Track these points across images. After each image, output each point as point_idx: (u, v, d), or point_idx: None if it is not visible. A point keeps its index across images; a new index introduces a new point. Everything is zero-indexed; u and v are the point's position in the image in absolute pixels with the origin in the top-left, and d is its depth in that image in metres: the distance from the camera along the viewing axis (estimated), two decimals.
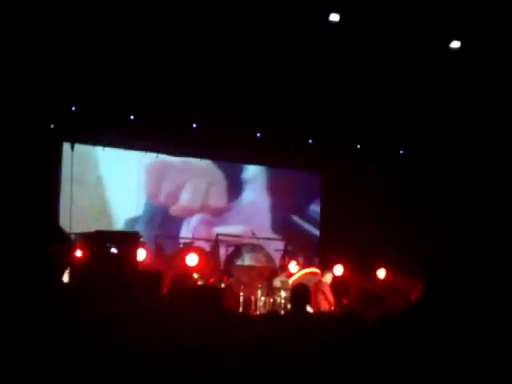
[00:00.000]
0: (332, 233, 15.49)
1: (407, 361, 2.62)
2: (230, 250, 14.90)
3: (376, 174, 15.34)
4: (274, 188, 15.69)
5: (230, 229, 15.15)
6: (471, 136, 13.40)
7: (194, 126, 13.82)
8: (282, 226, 15.71)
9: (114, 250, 8.96)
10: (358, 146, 15.10)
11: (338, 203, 15.25)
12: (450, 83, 12.14)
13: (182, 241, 14.38)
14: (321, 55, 11.57)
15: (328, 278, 12.62)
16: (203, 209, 15.12)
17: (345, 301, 12.61)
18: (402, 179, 15.12)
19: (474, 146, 13.63)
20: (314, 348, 4.52)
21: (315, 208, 16.22)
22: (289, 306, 10.80)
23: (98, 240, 9.21)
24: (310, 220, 16.19)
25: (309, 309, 7.46)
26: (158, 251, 13.99)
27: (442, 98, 12.61)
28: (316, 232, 16.19)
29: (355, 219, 14.83)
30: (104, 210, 14.13)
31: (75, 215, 13.35)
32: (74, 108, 12.76)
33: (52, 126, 12.96)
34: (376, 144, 14.97)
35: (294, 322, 6.19)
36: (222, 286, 12.73)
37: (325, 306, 11.85)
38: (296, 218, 15.94)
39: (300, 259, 14.41)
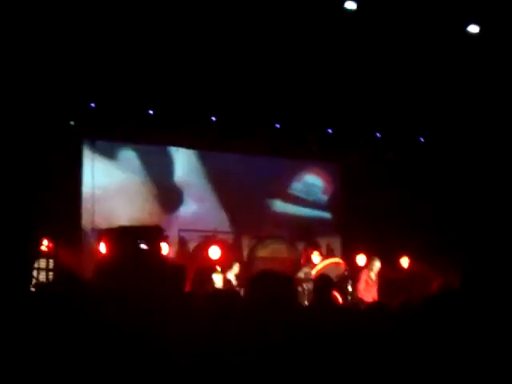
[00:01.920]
0: (354, 222, 15.42)
1: (431, 350, 2.59)
2: (253, 241, 14.90)
3: (396, 161, 15.27)
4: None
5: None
6: (492, 122, 13.27)
7: (214, 119, 13.83)
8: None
9: (143, 246, 8.93)
10: (378, 135, 15.02)
11: (359, 192, 15.18)
12: (470, 69, 12.03)
13: (203, 234, 14.26)
14: (338, 43, 11.50)
15: (375, 267, 12.34)
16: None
17: None
18: (423, 166, 15.02)
19: (496, 132, 13.50)
20: (339, 338, 4.51)
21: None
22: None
23: (126, 235, 9.16)
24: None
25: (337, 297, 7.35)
26: (181, 245, 14.02)
27: (461, 83, 12.49)
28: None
29: (376, 208, 14.76)
30: (125, 206, 14.11)
31: (97, 211, 13.42)
32: (93, 105, 12.82)
33: (72, 124, 13.03)
34: (396, 132, 14.88)
35: (318, 312, 6.19)
36: (236, 266, 12.56)
37: (365, 296, 11.73)
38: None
39: (322, 250, 14.39)
